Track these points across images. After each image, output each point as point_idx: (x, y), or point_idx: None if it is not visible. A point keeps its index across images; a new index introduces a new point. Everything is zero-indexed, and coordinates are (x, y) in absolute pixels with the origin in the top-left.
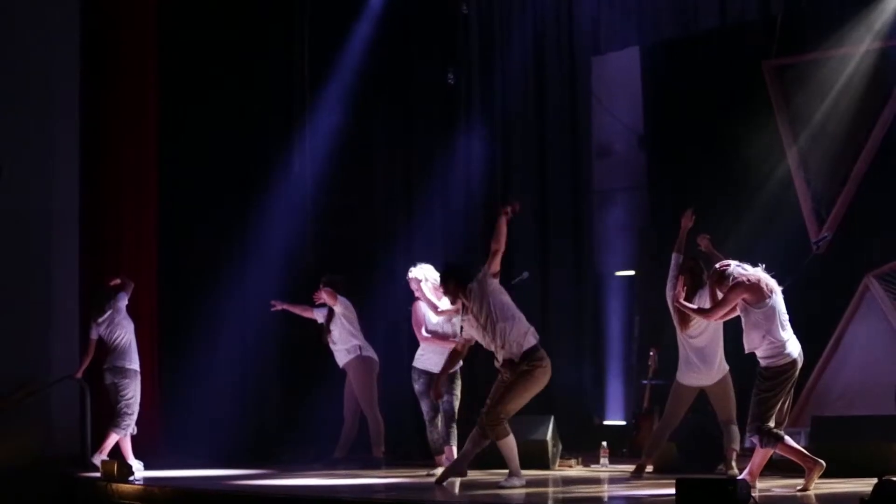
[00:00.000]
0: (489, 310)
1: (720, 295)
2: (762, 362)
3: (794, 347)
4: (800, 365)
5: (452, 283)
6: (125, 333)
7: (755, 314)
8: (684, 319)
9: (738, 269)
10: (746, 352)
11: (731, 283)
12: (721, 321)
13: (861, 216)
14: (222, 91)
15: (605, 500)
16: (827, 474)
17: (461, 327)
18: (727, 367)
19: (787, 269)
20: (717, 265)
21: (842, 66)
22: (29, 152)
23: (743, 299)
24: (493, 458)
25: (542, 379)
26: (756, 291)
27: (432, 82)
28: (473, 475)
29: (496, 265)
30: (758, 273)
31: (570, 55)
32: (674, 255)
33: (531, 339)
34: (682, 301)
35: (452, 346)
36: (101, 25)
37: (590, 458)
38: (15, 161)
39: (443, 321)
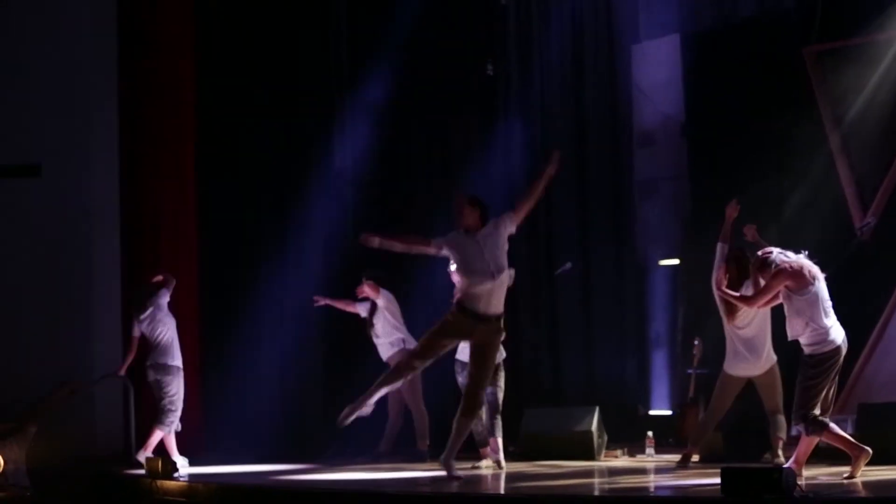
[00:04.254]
0: (495, 245)
1: (762, 282)
2: (806, 349)
3: (837, 334)
4: (844, 351)
5: (480, 207)
6: (167, 330)
7: (798, 301)
8: (731, 310)
9: (781, 256)
10: (790, 339)
11: (773, 271)
12: (768, 310)
13: None
14: (262, 85)
15: (652, 490)
16: (873, 461)
17: None
18: (775, 358)
19: (831, 256)
20: (759, 252)
21: (883, 51)
22: (68, 150)
23: (786, 286)
24: (538, 451)
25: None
26: (799, 278)
27: (472, 74)
28: (519, 467)
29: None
30: (800, 260)
31: (608, 44)
32: (719, 245)
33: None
34: (723, 288)
35: None
36: (138, 19)
37: (635, 449)
38: (55, 159)
39: None
